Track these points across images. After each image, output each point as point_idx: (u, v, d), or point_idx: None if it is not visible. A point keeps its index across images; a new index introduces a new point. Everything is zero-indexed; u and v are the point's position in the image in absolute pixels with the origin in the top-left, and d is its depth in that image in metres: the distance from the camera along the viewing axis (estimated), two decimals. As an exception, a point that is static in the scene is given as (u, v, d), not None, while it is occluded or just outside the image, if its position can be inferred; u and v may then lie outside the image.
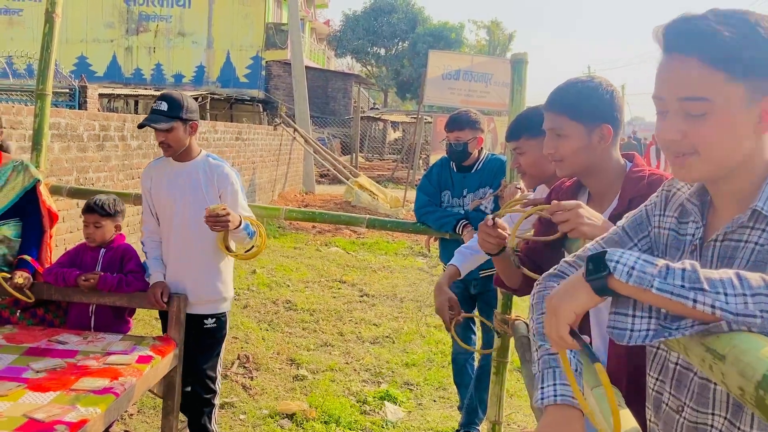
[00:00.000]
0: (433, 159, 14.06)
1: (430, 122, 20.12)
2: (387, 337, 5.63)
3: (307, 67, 17.95)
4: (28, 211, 3.42)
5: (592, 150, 1.84)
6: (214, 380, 3.33)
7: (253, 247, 3.29)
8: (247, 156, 11.14)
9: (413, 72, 34.77)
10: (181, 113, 3.09)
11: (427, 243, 4.63)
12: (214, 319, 3.29)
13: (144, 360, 2.93)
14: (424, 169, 21.94)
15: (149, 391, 3.16)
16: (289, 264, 8.25)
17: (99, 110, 13.07)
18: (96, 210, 3.28)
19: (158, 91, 22.83)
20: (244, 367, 4.71)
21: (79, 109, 10.92)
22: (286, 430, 3.81)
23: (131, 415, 3.82)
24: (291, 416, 3.96)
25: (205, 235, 3.15)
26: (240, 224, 3.08)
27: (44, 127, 3.85)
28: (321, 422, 3.92)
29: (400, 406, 4.27)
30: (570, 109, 1.82)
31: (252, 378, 4.53)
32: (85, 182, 6.07)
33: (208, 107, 22.39)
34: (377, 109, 36.15)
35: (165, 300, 3.17)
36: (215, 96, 23.29)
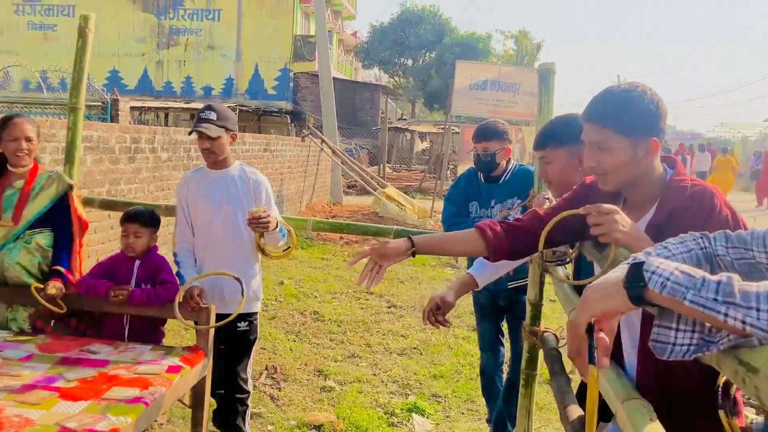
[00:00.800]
0: (461, 169, 14.03)
1: (458, 132, 20.10)
2: (415, 348, 5.61)
3: (334, 78, 18.06)
4: (60, 217, 3.49)
5: (637, 164, 1.76)
6: (246, 381, 3.47)
7: (288, 247, 3.51)
8: (275, 167, 11.23)
9: (440, 82, 34.74)
10: (228, 123, 3.34)
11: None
12: (246, 323, 3.43)
13: (174, 370, 2.95)
14: (452, 180, 21.88)
15: (178, 401, 3.18)
16: (316, 275, 8.27)
17: (130, 123, 13.29)
18: (137, 219, 3.34)
19: (188, 103, 23.18)
20: (272, 377, 4.72)
21: (111, 121, 11.10)
22: (314, 442, 3.81)
23: (161, 424, 3.85)
24: (318, 427, 3.96)
25: (240, 238, 3.38)
26: (277, 226, 3.29)
27: (77, 140, 3.92)
28: (348, 434, 3.91)
29: (428, 418, 4.24)
30: (614, 122, 1.73)
31: (280, 389, 4.54)
32: (116, 194, 6.16)
33: (237, 119, 22.63)
34: (405, 119, 36.24)
35: (202, 302, 3.22)
36: (244, 108, 23.55)
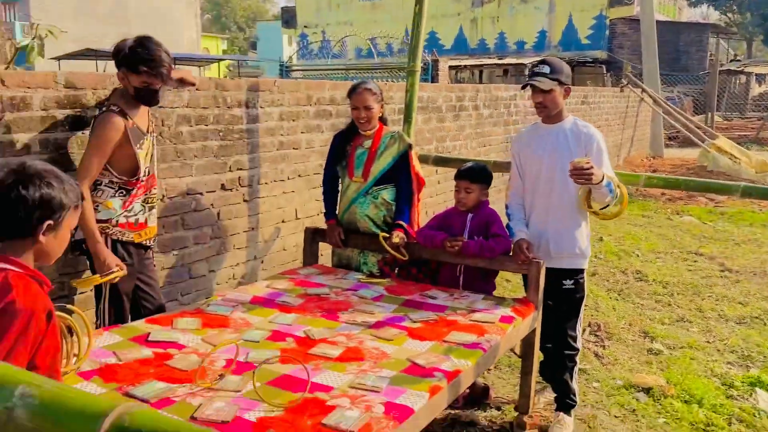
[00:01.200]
0: (813, 115, 12.05)
1: (809, 72, 17.24)
2: (756, 318, 5.06)
3: (656, 21, 16.67)
4: (401, 174, 3.83)
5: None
6: (575, 339, 3.46)
7: (615, 205, 3.31)
8: (592, 120, 10.85)
9: (786, 15, 29.97)
10: (561, 77, 3.27)
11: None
12: (572, 281, 3.39)
13: (506, 320, 3.07)
14: (799, 128, 18.97)
15: (510, 350, 3.32)
16: (637, 233, 7.88)
17: (448, 82, 13.91)
18: (467, 176, 3.54)
19: (501, 59, 23.45)
20: (596, 335, 4.66)
21: (431, 81, 11.75)
22: (643, 404, 3.68)
23: (489, 370, 4.05)
24: (647, 390, 3.82)
25: (569, 191, 3.30)
26: (602, 180, 3.12)
27: (414, 101, 4.24)
28: (681, 401, 3.71)
29: (774, 395, 3.82)
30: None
31: (604, 347, 4.47)
32: (442, 150, 6.54)
33: (570, 72, 22.30)
34: (738, 61, 32.12)
35: (530, 255, 3.29)
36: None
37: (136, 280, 3.13)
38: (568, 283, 3.40)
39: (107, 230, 2.98)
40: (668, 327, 4.87)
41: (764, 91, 27.93)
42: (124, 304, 3.05)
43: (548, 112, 3.35)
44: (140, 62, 2.92)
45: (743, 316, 5.08)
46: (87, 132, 3.11)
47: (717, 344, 4.55)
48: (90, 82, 3.22)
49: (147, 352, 2.50)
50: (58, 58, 14.09)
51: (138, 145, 3.01)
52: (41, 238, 1.76)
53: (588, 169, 3.04)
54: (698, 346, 4.50)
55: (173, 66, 3.10)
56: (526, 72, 21.81)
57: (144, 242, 3.14)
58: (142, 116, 3.09)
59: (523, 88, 3.47)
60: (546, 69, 3.27)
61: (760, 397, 3.77)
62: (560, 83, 3.27)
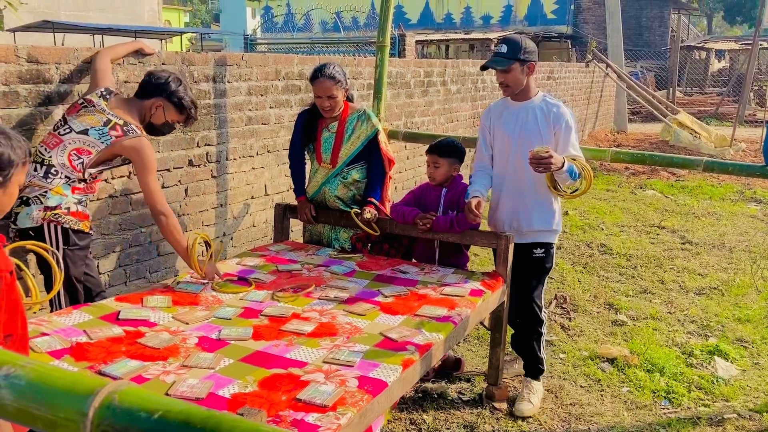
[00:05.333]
0: (771, 91, 12.32)
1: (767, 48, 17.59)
2: (715, 288, 5.22)
3: (620, -3, 16.79)
4: (371, 156, 3.82)
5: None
6: (541, 309, 3.51)
7: (577, 189, 3.36)
8: (558, 95, 10.95)
9: (745, -9, 30.43)
10: (519, 54, 3.25)
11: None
12: (542, 249, 3.43)
13: (476, 293, 3.12)
14: (756, 103, 19.37)
15: (479, 323, 3.37)
16: (602, 206, 8.02)
17: (415, 57, 13.87)
18: (435, 151, 3.56)
19: (467, 34, 23.40)
20: (562, 307, 4.76)
21: (398, 56, 11.71)
22: (608, 374, 3.79)
23: (459, 343, 4.12)
24: (611, 360, 3.93)
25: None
26: (563, 166, 3.13)
27: (383, 77, 4.23)
28: (643, 370, 3.82)
29: (732, 363, 3.96)
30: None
31: (570, 319, 4.57)
32: (411, 126, 6.54)
33: (535, 49, 22.34)
34: (698, 36, 32.58)
35: (478, 214, 3.31)
36: (522, 35, 23.11)
37: (85, 264, 3.09)
38: (539, 252, 3.44)
39: (59, 218, 2.90)
40: (632, 299, 4.99)
41: (723, 67, 28.40)
42: (77, 290, 3.01)
43: (512, 91, 3.34)
44: (189, 105, 3.15)
45: (702, 287, 5.23)
46: (52, 108, 3.05)
47: (678, 315, 4.69)
48: (53, 57, 3.15)
49: (118, 331, 2.48)
50: (14, 30, 13.65)
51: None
52: None
53: (547, 158, 3.06)
54: (660, 317, 4.63)
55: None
56: (493, 47, 21.84)
57: (91, 230, 3.10)
58: None
59: (483, 69, 3.45)
60: (503, 48, 3.26)
61: (718, 365, 3.90)
62: (521, 61, 3.25)
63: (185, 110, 3.18)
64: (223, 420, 0.70)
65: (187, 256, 3.05)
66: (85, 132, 2.91)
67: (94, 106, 2.99)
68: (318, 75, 3.59)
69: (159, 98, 3.11)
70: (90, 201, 3.21)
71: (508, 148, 3.41)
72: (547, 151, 3.07)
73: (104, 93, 3.04)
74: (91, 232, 3.09)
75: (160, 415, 0.71)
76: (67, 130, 2.92)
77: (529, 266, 3.46)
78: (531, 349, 3.53)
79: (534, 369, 3.55)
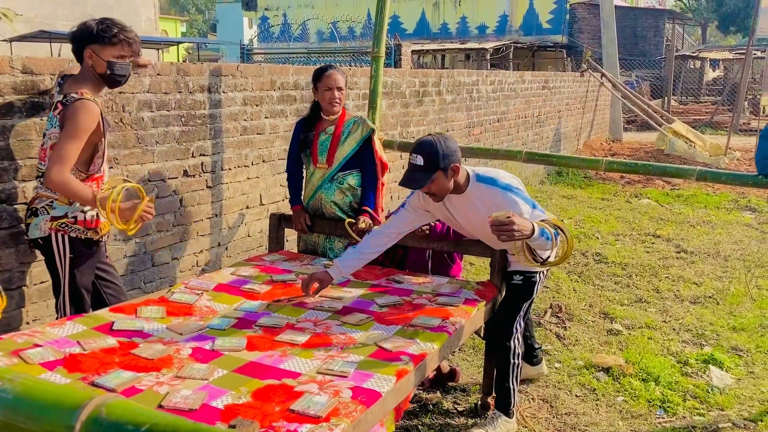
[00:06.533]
0: (765, 100, 12.40)
1: (762, 57, 17.68)
2: (710, 297, 5.22)
3: (615, 6, 16.89)
4: (365, 159, 3.84)
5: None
6: (510, 336, 3.22)
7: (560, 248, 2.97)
8: (553, 105, 10.98)
9: (740, 1, 30.61)
10: (439, 163, 2.88)
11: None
12: (521, 277, 3.21)
13: (470, 303, 3.13)
14: (751, 112, 19.45)
15: (474, 332, 3.37)
16: (597, 215, 8.04)
17: (411, 67, 13.91)
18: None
19: (463, 44, 23.47)
20: (557, 316, 4.76)
21: (394, 66, 11.74)
22: (603, 384, 3.78)
23: (454, 352, 4.12)
24: (607, 370, 3.93)
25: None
26: (533, 233, 2.77)
27: (379, 87, 4.25)
28: (639, 379, 3.82)
29: (727, 371, 3.96)
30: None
31: (565, 328, 4.57)
32: (407, 135, 6.56)
33: (511, 56, 22.47)
34: (693, 46, 32.75)
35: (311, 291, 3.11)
36: (518, 45, 23.24)
37: (94, 273, 3.07)
38: (517, 279, 3.23)
39: (65, 228, 2.89)
40: (627, 308, 4.99)
41: (718, 76, 28.56)
42: (84, 299, 3.00)
43: (439, 198, 3.02)
44: (116, 32, 2.85)
45: (697, 296, 5.24)
46: (45, 119, 3.04)
47: (673, 324, 4.69)
48: (48, 68, 3.15)
49: (112, 341, 2.48)
50: (10, 40, 13.66)
51: (105, 137, 2.94)
52: None
53: (509, 224, 2.69)
54: (655, 326, 4.63)
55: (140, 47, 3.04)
56: (488, 57, 21.92)
57: (101, 238, 3.07)
58: (101, 105, 3.02)
59: (402, 184, 2.99)
60: (419, 160, 2.89)
61: (713, 374, 3.90)
62: (441, 169, 2.88)
63: (115, 38, 2.85)
64: (210, 433, 0.70)
65: (95, 203, 2.82)
66: (46, 129, 2.90)
67: (52, 98, 2.97)
68: (327, 68, 3.76)
69: (87, 47, 2.86)
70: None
71: (459, 227, 3.26)
72: (509, 216, 2.71)
73: (59, 81, 2.98)
74: (103, 238, 3.07)
75: (148, 428, 0.71)
76: (42, 136, 2.93)
77: (507, 291, 3.30)
78: (500, 377, 3.26)
79: (500, 401, 3.28)
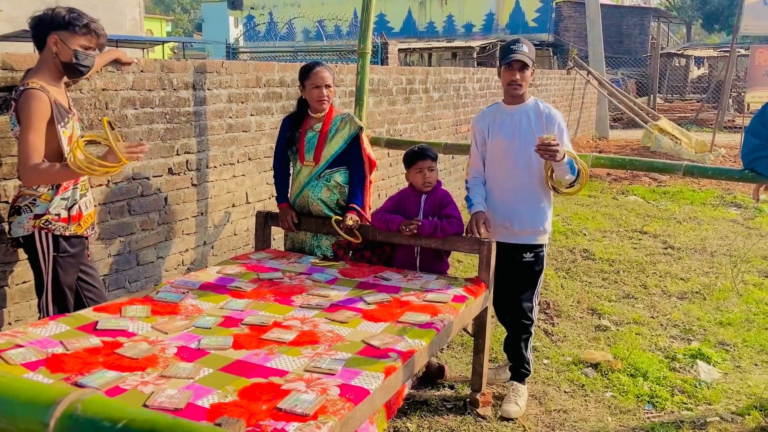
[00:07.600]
0: (750, 97, 12.47)
1: (745, 55, 17.81)
2: (697, 292, 5.24)
3: (600, 5, 16.96)
4: (353, 157, 3.81)
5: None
6: (531, 310, 3.55)
7: (574, 183, 3.43)
8: (540, 102, 11.00)
9: (724, -1, 30.83)
10: (534, 61, 3.38)
11: (756, 192, 4.05)
12: (532, 254, 3.49)
13: (459, 299, 3.11)
14: (735, 110, 19.59)
15: (462, 329, 3.35)
16: (584, 212, 8.06)
17: (398, 65, 13.89)
18: (430, 155, 3.57)
19: (449, 42, 23.48)
20: (545, 313, 4.75)
21: (381, 64, 11.72)
22: (591, 379, 3.78)
23: (442, 349, 4.10)
24: (595, 366, 3.92)
25: (532, 172, 3.42)
26: (564, 157, 3.22)
27: (365, 84, 4.22)
28: (627, 375, 3.82)
29: (714, 366, 3.97)
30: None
31: (553, 324, 4.57)
32: (394, 133, 6.54)
33: (497, 55, 22.49)
34: (678, 44, 32.96)
35: (485, 230, 3.38)
36: (504, 43, 23.23)
37: (78, 272, 3.03)
38: (528, 256, 3.49)
39: (49, 226, 2.85)
40: (615, 304, 5.00)
41: (703, 74, 28.73)
42: (67, 298, 2.95)
43: (521, 90, 3.40)
44: (86, 22, 2.80)
45: (685, 292, 5.26)
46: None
47: (660, 319, 4.70)
48: (28, 64, 3.10)
49: (95, 341, 2.44)
50: (-7, 40, 13.50)
51: (62, 124, 2.84)
52: None
53: (554, 145, 3.14)
54: (643, 322, 4.64)
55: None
56: (475, 55, 21.95)
57: (84, 233, 3.03)
58: (61, 94, 2.91)
59: (507, 64, 3.35)
60: (524, 48, 3.34)
61: (701, 369, 3.91)
62: (534, 64, 3.39)
63: (85, 27, 2.80)
64: (189, 429, 0.67)
65: (77, 169, 2.76)
66: (11, 129, 2.84)
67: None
68: (315, 66, 3.75)
69: (53, 33, 2.78)
70: (81, 194, 3.00)
71: (504, 150, 3.46)
72: (555, 138, 3.16)
73: (24, 77, 2.89)
74: (87, 232, 3.02)
75: (125, 424, 0.68)
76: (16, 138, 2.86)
77: (519, 270, 3.51)
78: (518, 349, 3.56)
79: (520, 370, 3.57)
